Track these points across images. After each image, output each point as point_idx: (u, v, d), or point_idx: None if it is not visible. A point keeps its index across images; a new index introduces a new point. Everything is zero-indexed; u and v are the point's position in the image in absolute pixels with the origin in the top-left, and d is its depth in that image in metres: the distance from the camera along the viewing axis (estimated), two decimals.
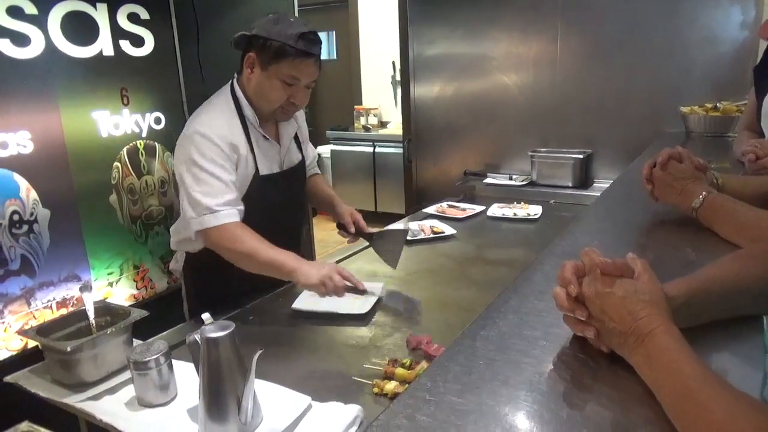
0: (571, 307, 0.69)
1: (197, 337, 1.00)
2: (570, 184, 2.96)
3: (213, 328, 0.96)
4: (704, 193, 1.13)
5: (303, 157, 1.84)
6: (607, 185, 1.88)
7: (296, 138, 1.82)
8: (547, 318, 0.78)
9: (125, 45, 2.53)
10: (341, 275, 1.48)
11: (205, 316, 1.01)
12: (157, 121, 2.70)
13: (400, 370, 1.17)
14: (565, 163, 2.97)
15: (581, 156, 2.99)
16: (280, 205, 1.71)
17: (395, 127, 5.36)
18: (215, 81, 2.98)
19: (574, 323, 0.70)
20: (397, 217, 2.55)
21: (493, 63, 3.30)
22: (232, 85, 1.64)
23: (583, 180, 3.02)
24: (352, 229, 1.76)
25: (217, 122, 1.55)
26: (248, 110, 1.61)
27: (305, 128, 1.91)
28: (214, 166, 1.50)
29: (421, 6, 3.45)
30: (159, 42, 2.70)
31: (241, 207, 1.55)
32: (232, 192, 1.53)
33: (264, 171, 1.64)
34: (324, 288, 1.44)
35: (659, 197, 1.23)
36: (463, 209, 2.42)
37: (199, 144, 1.50)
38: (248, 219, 1.58)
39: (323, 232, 5.35)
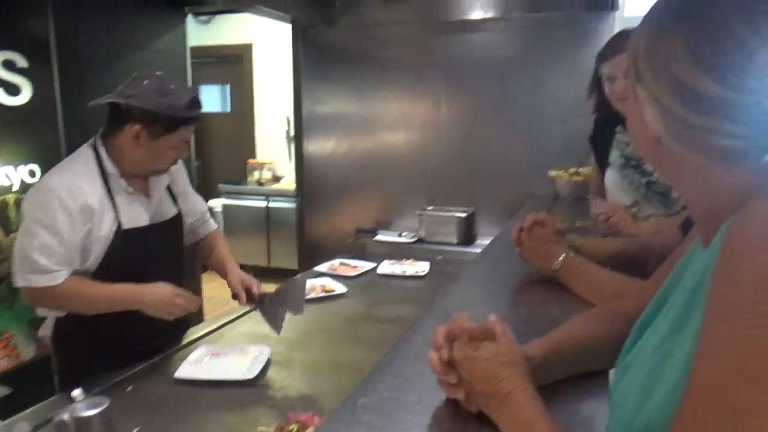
0: (443, 371, 0.74)
1: (66, 416, 0.93)
2: (455, 241, 3.13)
3: (84, 406, 0.91)
4: (563, 255, 1.26)
5: (179, 211, 1.80)
6: (488, 242, 2.02)
7: (170, 190, 1.79)
8: (424, 380, 0.83)
9: None
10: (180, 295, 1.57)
11: (76, 393, 0.96)
12: (32, 173, 2.53)
13: None
14: (450, 220, 3.15)
15: (464, 214, 3.18)
16: (151, 260, 1.68)
17: (289, 182, 5.37)
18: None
19: (446, 386, 0.76)
20: (290, 273, 2.55)
21: (383, 123, 3.47)
22: (94, 143, 1.61)
23: (468, 237, 3.20)
24: (243, 302, 1.72)
25: (72, 180, 1.51)
26: (111, 167, 1.58)
27: (183, 181, 1.88)
28: (58, 224, 1.47)
29: (315, 66, 3.57)
30: (38, 91, 2.56)
31: (74, 268, 1.54)
32: (65, 255, 1.50)
33: (127, 225, 1.61)
34: (176, 310, 1.56)
35: (527, 258, 1.35)
36: (355, 266, 2.47)
37: (46, 201, 1.47)
38: (115, 275, 1.55)
39: (213, 289, 5.15)
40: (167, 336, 1.72)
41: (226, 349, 1.61)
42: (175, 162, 1.64)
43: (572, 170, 2.75)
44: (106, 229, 1.55)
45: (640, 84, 0.57)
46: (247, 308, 1.96)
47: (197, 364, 1.50)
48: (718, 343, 0.48)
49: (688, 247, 0.70)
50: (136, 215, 1.64)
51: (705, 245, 0.61)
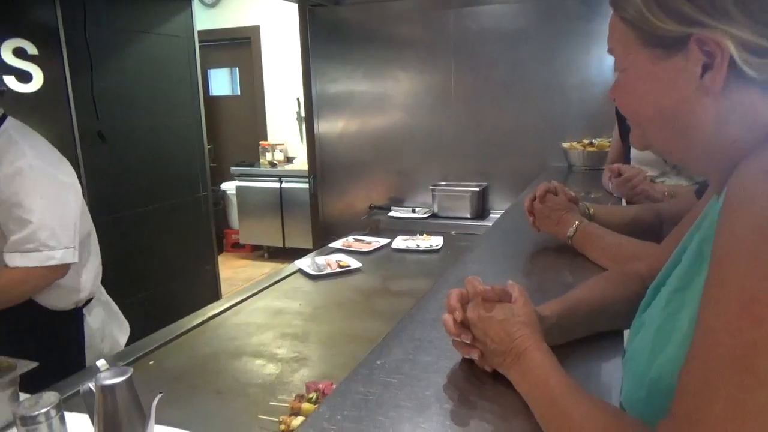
0: (458, 331, 0.75)
1: (92, 385, 0.96)
2: (468, 216, 3.13)
3: (108, 375, 0.94)
4: (577, 222, 1.26)
5: None
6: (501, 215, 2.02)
7: None
8: (439, 343, 0.84)
9: (10, 80, 2.41)
10: None
11: (100, 363, 0.98)
12: None
13: (306, 405, 1.18)
14: (463, 195, 3.15)
15: (477, 189, 3.17)
16: None
17: (301, 163, 5.39)
18: (110, 117, 2.92)
19: (461, 346, 0.77)
20: (305, 252, 2.56)
21: (394, 101, 3.45)
22: None
23: (481, 211, 3.20)
24: None
25: None
26: None
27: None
28: None
29: (323, 45, 3.55)
30: (49, 77, 2.59)
31: None
32: None
33: None
34: None
35: (540, 227, 1.35)
36: (369, 242, 2.48)
37: None
38: None
39: (229, 270, 5.23)
40: None
41: None
42: None
43: (586, 141, 2.72)
44: None
45: (697, 27, 0.55)
46: (264, 285, 1.99)
47: None
48: (721, 288, 0.48)
49: (704, 208, 0.70)
50: None
51: (718, 194, 0.60)
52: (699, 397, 0.46)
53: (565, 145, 2.74)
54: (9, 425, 1.12)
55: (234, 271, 5.31)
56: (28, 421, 1.01)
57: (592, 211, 1.39)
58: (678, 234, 0.84)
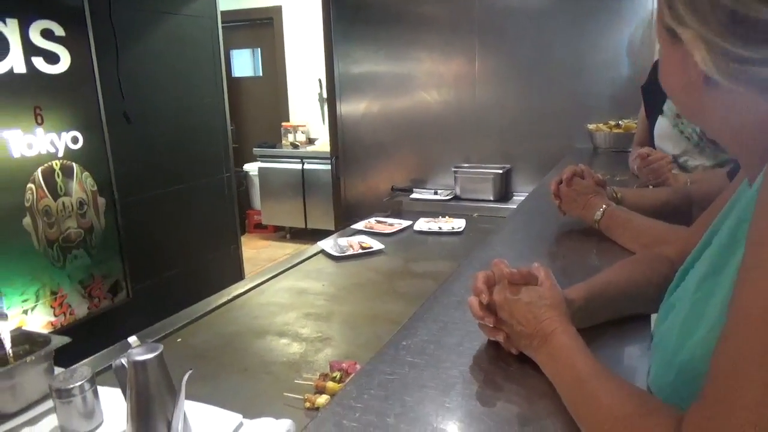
0: (483, 314, 0.75)
1: (124, 361, 0.99)
2: (491, 198, 3.11)
3: (140, 351, 0.96)
4: (604, 206, 1.24)
5: None
6: (525, 198, 2.00)
7: None
8: (464, 325, 0.84)
9: (38, 62, 2.44)
10: None
11: (132, 339, 1.01)
12: (75, 140, 2.61)
13: (330, 384, 1.20)
14: (486, 177, 3.12)
15: (501, 171, 3.15)
16: None
17: (323, 144, 5.39)
18: (135, 98, 2.95)
19: (487, 329, 0.77)
20: (326, 233, 2.58)
21: (416, 82, 3.42)
22: None
23: (504, 193, 3.18)
24: None
25: None
26: None
27: None
28: None
29: (345, 26, 3.53)
30: (76, 59, 2.61)
31: None
32: None
33: None
34: None
35: (566, 211, 1.34)
36: (391, 224, 2.48)
37: None
38: None
39: (252, 250, 5.29)
40: None
41: None
42: None
43: (612, 123, 2.67)
44: None
45: (682, 26, 0.55)
46: (286, 266, 2.01)
47: None
48: (757, 272, 0.47)
49: (735, 190, 0.69)
50: None
51: (751, 182, 0.59)
52: (732, 382, 0.46)
53: (591, 126, 2.70)
54: (45, 397, 1.16)
55: (256, 252, 5.37)
56: (62, 393, 1.05)
57: (619, 195, 1.37)
58: (708, 217, 0.82)
